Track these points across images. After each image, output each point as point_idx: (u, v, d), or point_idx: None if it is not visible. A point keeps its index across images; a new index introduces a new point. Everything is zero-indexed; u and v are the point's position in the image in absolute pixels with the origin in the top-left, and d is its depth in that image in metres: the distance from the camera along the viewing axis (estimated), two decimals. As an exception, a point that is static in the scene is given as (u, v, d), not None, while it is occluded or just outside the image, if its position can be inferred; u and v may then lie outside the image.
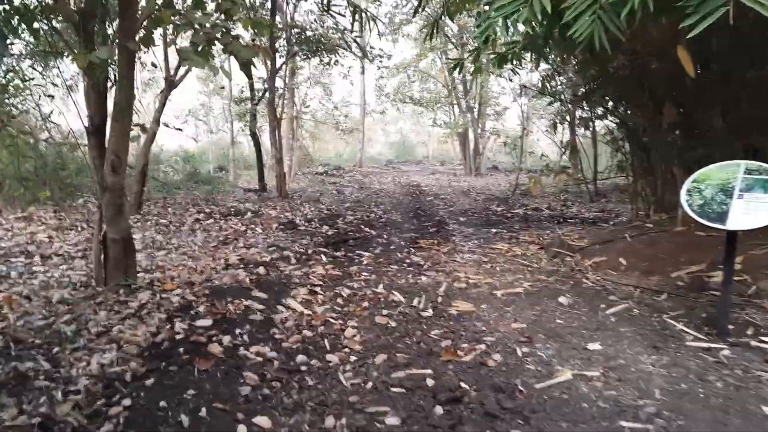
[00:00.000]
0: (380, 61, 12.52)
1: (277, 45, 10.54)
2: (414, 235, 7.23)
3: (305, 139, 20.16)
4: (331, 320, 3.77)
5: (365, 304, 4.17)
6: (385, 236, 7.17)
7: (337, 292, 4.43)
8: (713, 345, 3.34)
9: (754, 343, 3.37)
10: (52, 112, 8.97)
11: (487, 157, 24.31)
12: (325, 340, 3.39)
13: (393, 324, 3.74)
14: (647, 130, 6.71)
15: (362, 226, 7.82)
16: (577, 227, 7.81)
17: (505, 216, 9.28)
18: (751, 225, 3.35)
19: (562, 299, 4.28)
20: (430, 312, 4.01)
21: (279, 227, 7.40)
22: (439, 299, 4.32)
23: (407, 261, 5.67)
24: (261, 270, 4.93)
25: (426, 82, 22.49)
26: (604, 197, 11.40)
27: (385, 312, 3.98)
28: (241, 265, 5.10)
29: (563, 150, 8.65)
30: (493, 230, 7.73)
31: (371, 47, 12.40)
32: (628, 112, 7.23)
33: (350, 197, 11.89)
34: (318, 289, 4.49)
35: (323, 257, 5.67)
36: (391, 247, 6.48)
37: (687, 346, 3.33)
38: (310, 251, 5.94)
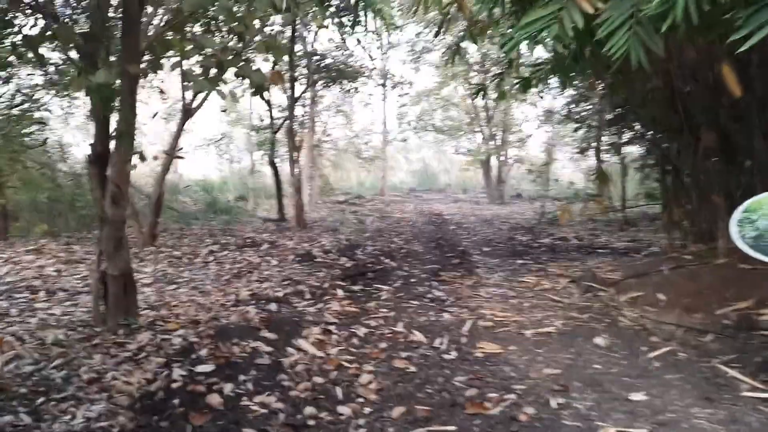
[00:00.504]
0: (401, 88, 12.38)
1: (296, 73, 10.45)
2: (436, 267, 6.91)
3: (326, 167, 20.02)
4: (345, 364, 3.46)
5: (383, 345, 3.86)
6: (405, 268, 6.85)
7: (353, 331, 4.12)
8: (774, 396, 2.96)
9: (821, 393, 2.97)
10: (48, 142, 8.73)
11: (510, 185, 23.89)
12: (338, 388, 3.08)
13: (413, 369, 3.42)
14: (682, 155, 6.34)
15: (382, 258, 7.53)
16: (608, 258, 7.40)
17: (531, 246, 8.90)
18: (815, 260, 2.99)
19: (598, 340, 3.92)
20: (453, 354, 3.69)
21: (295, 259, 7.13)
22: (463, 339, 3.99)
23: (428, 296, 5.35)
24: (273, 306, 4.65)
25: (448, 109, 22.32)
26: (634, 226, 10.94)
27: (404, 354, 3.66)
28: (252, 301, 4.83)
29: (592, 177, 8.31)
30: (519, 261, 7.37)
31: (392, 74, 12.27)
32: (661, 137, 6.87)
33: (370, 227, 11.61)
34: (332, 327, 4.19)
35: (340, 292, 5.37)
36: (412, 280, 6.17)
37: (743, 397, 2.95)
38: (326, 285, 5.66)
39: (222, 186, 16.74)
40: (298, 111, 12.03)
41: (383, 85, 12.47)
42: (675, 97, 5.51)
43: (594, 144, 10.78)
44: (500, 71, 6.32)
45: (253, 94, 4.16)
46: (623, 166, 10.72)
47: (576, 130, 10.91)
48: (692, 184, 6.25)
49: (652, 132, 7.01)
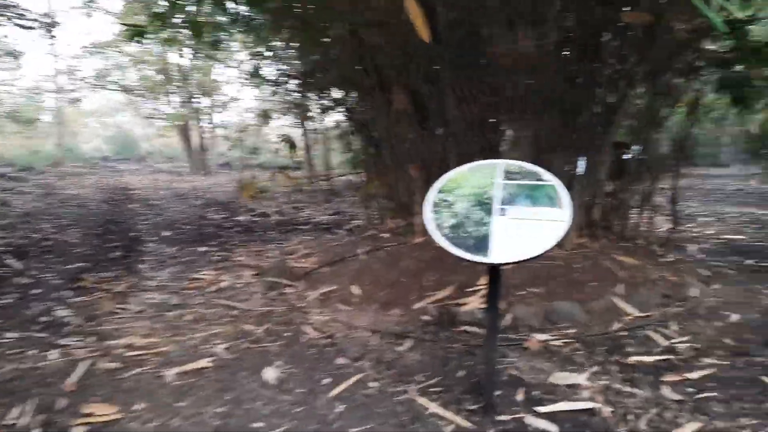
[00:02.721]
0: (48, 31, 9.63)
1: None
2: (82, 266, 5.11)
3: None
4: None
5: None
6: (35, 272, 4.91)
7: None
8: (483, 440, 2.18)
9: (531, 421, 2.30)
10: None
11: (219, 154, 22.26)
12: None
13: None
14: (375, 120, 5.65)
15: (4, 256, 5.37)
16: (309, 237, 6.52)
17: (223, 227, 7.60)
18: (522, 255, 2.25)
19: (268, 373, 2.79)
20: (29, 441, 2.17)
21: None
22: (63, 402, 2.47)
23: (43, 319, 3.63)
24: None
25: (142, 69, 19.40)
26: (339, 197, 10.46)
27: None
28: None
29: (286, 145, 7.36)
30: (202, 249, 6.00)
31: (46, 15, 9.40)
32: (355, 99, 6.12)
33: (15, 210, 8.89)
34: None
35: None
36: (34, 291, 4.32)
37: (449, 451, 2.11)
38: None
39: None
40: None
41: (29, 27, 9.53)
42: (363, 50, 4.67)
43: (294, 109, 9.87)
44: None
45: None
46: (324, 132, 10.08)
47: (274, 93, 9.85)
48: (388, 153, 5.62)
49: (345, 94, 6.22)
